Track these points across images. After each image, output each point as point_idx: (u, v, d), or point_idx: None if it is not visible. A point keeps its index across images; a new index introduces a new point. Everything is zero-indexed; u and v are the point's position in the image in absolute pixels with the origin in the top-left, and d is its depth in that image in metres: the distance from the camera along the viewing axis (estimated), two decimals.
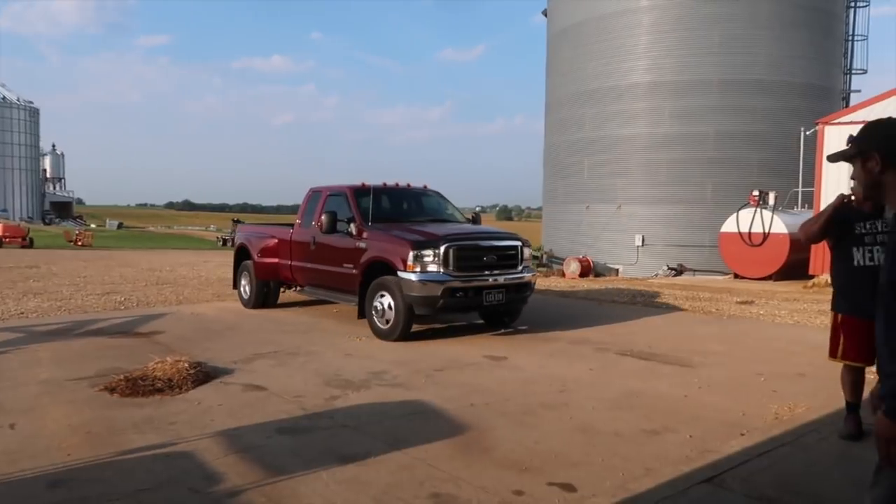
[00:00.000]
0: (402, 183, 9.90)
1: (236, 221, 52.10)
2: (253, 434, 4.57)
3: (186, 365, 5.97)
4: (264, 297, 10.40)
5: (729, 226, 17.24)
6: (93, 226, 76.47)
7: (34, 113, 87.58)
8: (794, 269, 16.05)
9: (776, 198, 16.84)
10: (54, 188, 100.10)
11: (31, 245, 32.71)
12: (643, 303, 11.72)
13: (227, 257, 26.17)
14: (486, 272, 8.02)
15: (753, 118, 22.07)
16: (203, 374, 5.99)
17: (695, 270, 21.12)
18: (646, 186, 22.95)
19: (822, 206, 15.87)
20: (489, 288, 7.95)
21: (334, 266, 8.89)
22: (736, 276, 17.34)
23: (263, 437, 4.52)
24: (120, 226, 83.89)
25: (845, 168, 15.21)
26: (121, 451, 4.22)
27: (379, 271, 8.10)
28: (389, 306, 7.83)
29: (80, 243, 37.92)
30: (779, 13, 22.20)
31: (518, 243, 8.44)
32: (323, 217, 8.75)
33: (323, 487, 3.70)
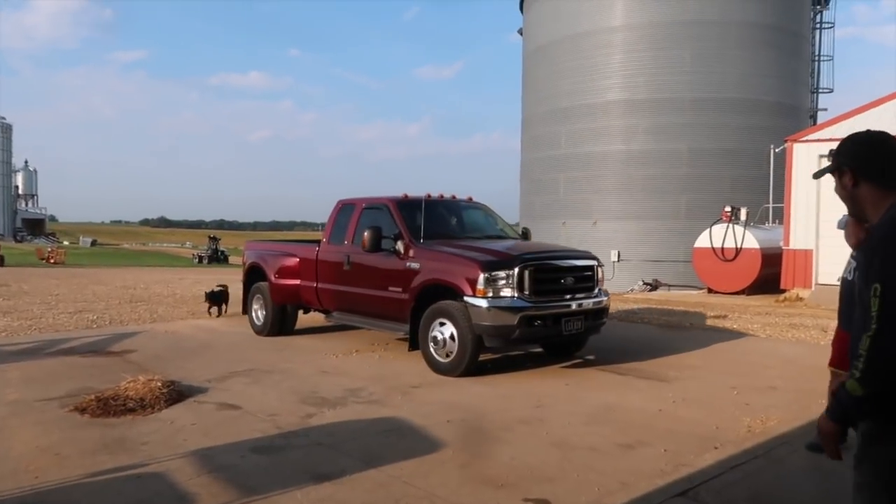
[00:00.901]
0: (444, 194, 8.87)
1: (213, 238, 51.78)
2: (227, 454, 4.51)
3: (159, 384, 5.88)
4: (280, 324, 9.35)
5: (702, 241, 17.49)
6: (66, 243, 75.30)
7: (7, 129, 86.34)
8: (767, 283, 16.31)
9: (748, 213, 17.14)
10: (27, 205, 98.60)
11: (1, 263, 32.07)
12: (619, 318, 11.82)
13: (203, 274, 26.00)
14: (566, 297, 7.14)
15: (725, 135, 22.50)
16: (176, 393, 5.91)
17: (670, 285, 21.35)
18: (621, 202, 23.21)
19: (792, 222, 16.17)
20: (569, 315, 7.02)
21: (376, 289, 7.85)
22: (709, 290, 17.56)
23: (237, 456, 4.47)
24: (93, 243, 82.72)
25: (814, 184, 15.35)
26: (90, 472, 4.14)
27: (434, 296, 7.18)
28: (452, 337, 6.84)
29: (52, 261, 37.31)
30: (748, 34, 22.74)
31: (595, 262, 7.59)
32: (366, 233, 7.65)
33: None
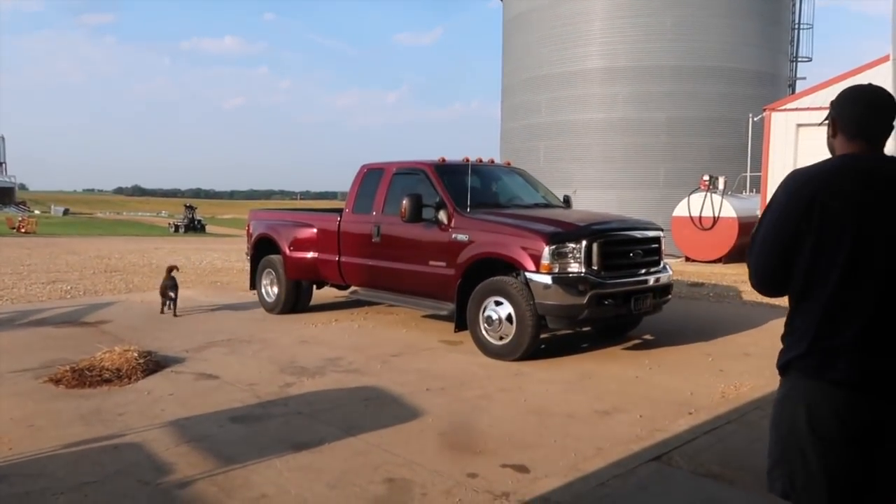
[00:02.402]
0: (476, 159, 8.01)
1: (189, 207, 51.05)
2: (205, 423, 4.50)
3: (136, 354, 5.82)
4: (295, 300, 8.69)
5: (680, 210, 17.60)
6: (37, 212, 73.78)
7: None
8: (743, 251, 16.42)
9: (726, 182, 17.25)
10: None
11: None
12: None
13: (179, 244, 25.69)
14: (638, 271, 6.63)
15: (704, 104, 22.51)
16: (153, 364, 5.86)
17: None
18: (601, 171, 23.23)
19: (770, 191, 16.33)
20: (640, 292, 6.48)
21: (414, 264, 7.22)
22: (687, 258, 17.74)
23: (215, 426, 4.46)
24: (66, 212, 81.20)
25: (791, 153, 15.46)
26: (66, 444, 4.10)
27: (484, 271, 6.60)
28: (509, 317, 6.23)
29: (23, 230, 36.62)
30: (729, 1, 22.63)
31: (661, 233, 7.07)
32: (405, 201, 6.96)
33: (276, 475, 3.67)
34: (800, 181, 1.99)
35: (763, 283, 2.11)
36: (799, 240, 1.94)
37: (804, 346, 1.97)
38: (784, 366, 2.06)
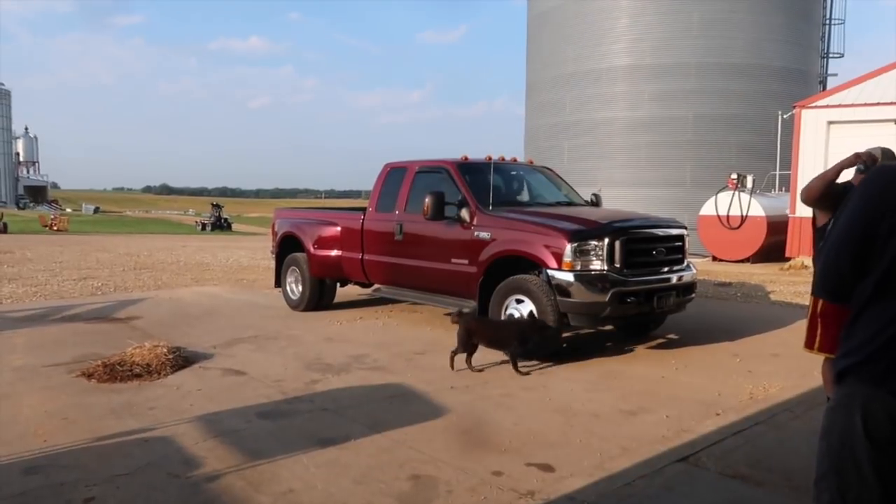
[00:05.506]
0: (499, 157, 8.00)
1: (216, 205, 51.64)
2: (232, 418, 4.56)
3: (165, 350, 5.92)
4: (319, 297, 8.76)
5: (707, 209, 17.39)
6: (68, 210, 75.25)
7: (5, 95, 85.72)
8: (772, 251, 16.27)
9: (754, 181, 17.00)
10: (28, 172, 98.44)
11: (5, 230, 32.12)
12: None
13: (207, 242, 26.03)
14: (661, 269, 6.59)
15: (731, 102, 22.20)
16: (182, 359, 5.96)
17: None
18: (626, 170, 23.04)
19: (799, 189, 16.04)
20: (662, 290, 6.42)
21: (436, 262, 7.23)
22: (714, 258, 17.53)
23: (243, 421, 4.52)
24: (96, 210, 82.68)
25: (822, 151, 15.08)
26: (98, 436, 4.19)
27: (506, 269, 6.56)
28: (531, 314, 6.16)
29: (55, 228, 37.34)
30: None
31: (685, 231, 7.02)
32: (427, 199, 6.96)
33: (303, 471, 3.71)
34: (887, 178, 1.88)
35: (827, 283, 1.99)
36: (877, 241, 1.83)
37: (867, 353, 1.86)
38: (840, 373, 1.93)
